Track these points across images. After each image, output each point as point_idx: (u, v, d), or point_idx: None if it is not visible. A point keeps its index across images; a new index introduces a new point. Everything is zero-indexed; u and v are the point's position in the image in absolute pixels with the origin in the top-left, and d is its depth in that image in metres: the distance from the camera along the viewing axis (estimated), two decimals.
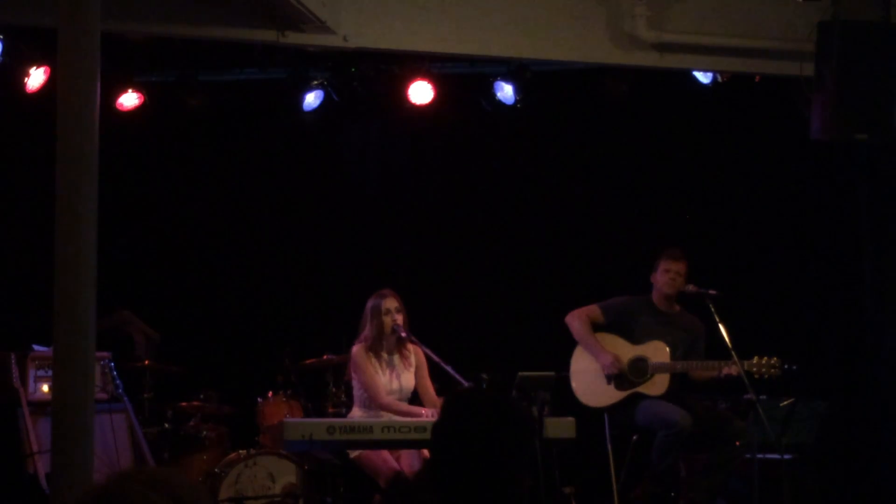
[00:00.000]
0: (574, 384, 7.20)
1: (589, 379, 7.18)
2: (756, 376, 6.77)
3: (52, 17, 5.10)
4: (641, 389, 7.10)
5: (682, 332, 7.21)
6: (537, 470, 5.67)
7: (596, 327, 7.26)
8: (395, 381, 6.82)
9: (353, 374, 6.88)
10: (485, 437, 2.64)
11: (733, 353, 6.66)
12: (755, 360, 6.85)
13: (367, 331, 6.84)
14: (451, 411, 2.76)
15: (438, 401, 6.71)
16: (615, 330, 7.26)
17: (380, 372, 6.80)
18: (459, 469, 2.63)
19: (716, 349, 6.96)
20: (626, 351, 7.16)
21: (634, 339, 7.19)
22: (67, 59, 4.94)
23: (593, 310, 7.28)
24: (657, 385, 7.08)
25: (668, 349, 7.11)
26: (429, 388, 6.88)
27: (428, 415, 6.55)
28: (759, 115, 8.49)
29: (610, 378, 7.11)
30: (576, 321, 7.24)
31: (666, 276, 7.23)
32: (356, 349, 6.82)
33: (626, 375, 7.12)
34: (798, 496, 7.07)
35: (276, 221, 9.23)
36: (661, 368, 7.08)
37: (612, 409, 7.16)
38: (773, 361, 6.86)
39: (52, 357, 5.05)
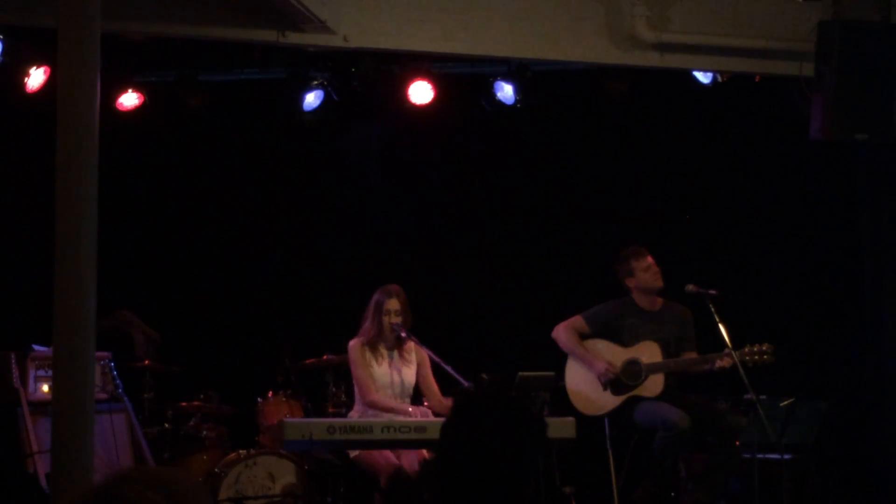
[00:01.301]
0: (571, 396, 7.17)
1: (585, 389, 7.16)
2: (750, 364, 6.76)
3: (52, 17, 5.10)
4: (638, 392, 7.08)
5: (670, 327, 7.18)
6: (537, 470, 5.66)
7: (582, 337, 7.24)
8: (396, 374, 6.79)
9: (351, 369, 6.87)
10: (496, 438, 2.62)
11: (729, 346, 6.66)
12: (746, 348, 6.84)
13: (368, 325, 6.83)
14: (461, 412, 2.73)
15: (445, 400, 6.70)
16: (603, 336, 7.24)
17: (375, 365, 6.78)
18: (467, 469, 2.62)
19: (716, 349, 6.94)
20: (617, 355, 7.14)
21: (624, 343, 7.17)
22: (67, 59, 4.94)
23: (577, 321, 7.26)
24: (653, 386, 7.07)
25: (659, 348, 7.10)
26: (433, 387, 6.84)
27: (416, 413, 6.53)
28: (759, 115, 8.49)
29: (606, 384, 7.10)
30: (562, 334, 7.22)
31: (650, 273, 7.21)
32: (353, 343, 6.81)
33: (622, 379, 7.10)
34: (798, 496, 7.08)
35: (276, 221, 9.22)
36: (654, 369, 7.07)
37: (612, 413, 7.15)
38: (764, 348, 6.85)
39: (52, 357, 5.05)
